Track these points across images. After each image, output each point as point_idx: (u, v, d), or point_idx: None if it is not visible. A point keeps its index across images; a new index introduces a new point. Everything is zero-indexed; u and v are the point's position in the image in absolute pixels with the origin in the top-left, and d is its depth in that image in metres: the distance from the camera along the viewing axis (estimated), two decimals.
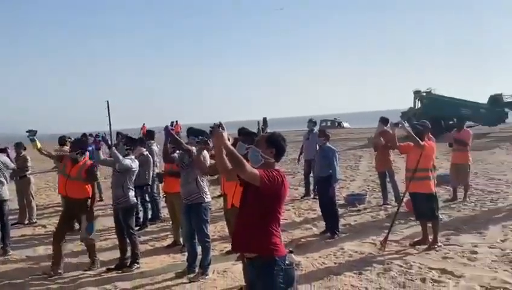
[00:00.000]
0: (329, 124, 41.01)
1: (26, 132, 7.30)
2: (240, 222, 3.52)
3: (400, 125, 6.92)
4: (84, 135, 12.31)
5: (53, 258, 6.56)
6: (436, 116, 21.74)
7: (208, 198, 6.26)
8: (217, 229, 8.41)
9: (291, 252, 3.55)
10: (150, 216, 9.32)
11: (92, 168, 6.77)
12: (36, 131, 7.25)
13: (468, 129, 10.35)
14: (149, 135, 10.46)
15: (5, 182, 8.02)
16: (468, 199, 9.67)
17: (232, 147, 3.33)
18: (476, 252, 6.42)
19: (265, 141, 3.59)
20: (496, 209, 8.81)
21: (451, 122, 24.81)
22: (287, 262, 3.43)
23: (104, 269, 6.62)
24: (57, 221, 10.22)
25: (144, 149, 8.83)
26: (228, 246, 7.19)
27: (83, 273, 6.48)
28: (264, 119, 8.06)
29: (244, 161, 3.30)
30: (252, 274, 3.49)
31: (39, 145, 7.15)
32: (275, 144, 3.56)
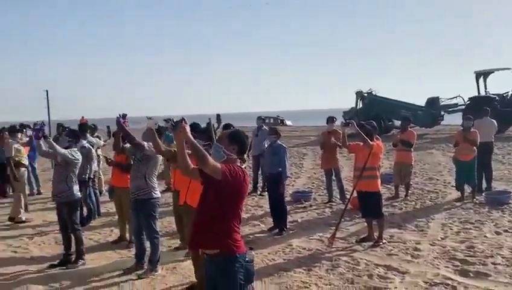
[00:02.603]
0: (271, 121, 41.35)
1: None
2: (199, 219, 3.47)
3: (351, 124, 7.07)
4: (21, 125, 11.76)
5: None
6: (377, 116, 22.35)
7: (157, 194, 6.14)
8: (164, 224, 8.26)
9: (251, 249, 3.55)
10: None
11: None
12: None
13: (412, 130, 10.70)
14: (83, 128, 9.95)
15: None
16: (409, 198, 10.03)
17: (195, 141, 3.30)
18: (418, 249, 6.66)
19: (228, 138, 3.58)
20: (435, 208, 9.18)
21: (390, 122, 25.64)
22: (247, 259, 3.44)
23: (46, 265, 6.36)
24: None
25: (85, 142, 8.53)
26: (176, 243, 7.11)
27: (25, 270, 6.20)
28: (218, 116, 7.97)
29: (207, 154, 3.28)
30: (212, 271, 3.45)
31: None
32: (237, 141, 3.56)
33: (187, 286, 5.49)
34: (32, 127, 7.98)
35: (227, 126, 6.63)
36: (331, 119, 9.95)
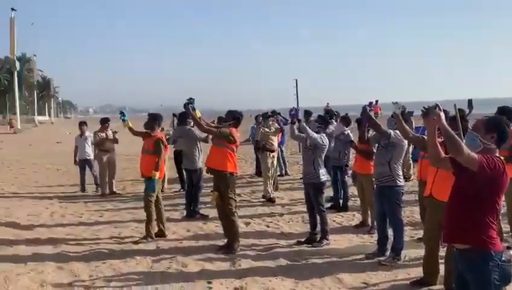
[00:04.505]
0: None
1: (120, 112, 7.80)
2: (451, 212, 3.29)
3: None
4: (273, 111, 12.77)
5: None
6: None
7: (401, 181, 6.05)
8: (406, 214, 8.08)
9: (508, 248, 3.24)
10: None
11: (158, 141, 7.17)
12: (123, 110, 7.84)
13: None
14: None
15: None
16: None
17: (449, 128, 3.13)
18: None
19: (485, 125, 3.29)
20: None
21: None
22: (503, 258, 3.14)
23: (294, 241, 6.88)
24: (249, 191, 11.02)
25: (346, 128, 8.76)
26: (418, 233, 6.89)
27: (276, 243, 6.81)
28: (469, 101, 7.26)
29: (462, 143, 3.08)
30: (463, 267, 3.25)
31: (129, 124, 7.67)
32: (496, 129, 3.24)
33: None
34: (282, 117, 8.76)
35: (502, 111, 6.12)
36: None
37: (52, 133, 39.44)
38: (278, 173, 11.82)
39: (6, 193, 11.50)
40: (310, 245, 6.63)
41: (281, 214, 8.70)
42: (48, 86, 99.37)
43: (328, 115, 9.63)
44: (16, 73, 51.47)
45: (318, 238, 6.74)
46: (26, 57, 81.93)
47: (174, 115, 11.05)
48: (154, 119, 7.44)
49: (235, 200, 6.70)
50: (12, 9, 47.94)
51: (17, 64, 52.07)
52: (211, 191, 7.11)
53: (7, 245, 6.80)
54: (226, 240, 6.65)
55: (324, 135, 6.92)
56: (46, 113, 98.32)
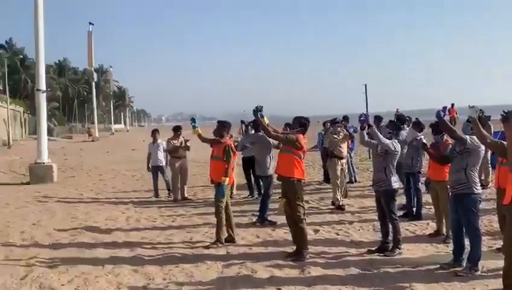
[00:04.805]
0: None
1: (192, 119, 8.17)
2: None
3: None
4: (345, 117, 12.62)
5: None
6: None
7: (478, 189, 5.79)
8: (484, 223, 7.72)
9: None
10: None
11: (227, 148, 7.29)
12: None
13: None
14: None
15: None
16: None
17: None
18: None
19: None
20: None
21: None
22: None
23: (365, 249, 6.74)
24: (318, 198, 10.95)
25: (419, 134, 8.46)
26: (497, 243, 6.56)
27: (346, 252, 6.71)
28: None
29: None
30: None
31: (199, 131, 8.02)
32: None
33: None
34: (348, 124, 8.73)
35: None
36: None
37: (127, 141, 41.13)
38: (347, 180, 11.63)
39: (86, 198, 12.11)
40: (382, 254, 6.47)
41: (351, 222, 8.56)
42: (123, 96, 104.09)
43: (400, 120, 9.38)
44: (93, 84, 54.29)
45: (390, 247, 6.55)
46: (103, 68, 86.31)
47: (242, 122, 11.22)
48: (223, 126, 7.60)
49: (304, 207, 6.67)
50: (90, 23, 50.68)
51: (95, 75, 54.89)
52: (279, 198, 7.13)
53: (87, 248, 7.15)
54: (294, 247, 6.63)
55: (396, 140, 6.74)
56: (122, 122, 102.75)
